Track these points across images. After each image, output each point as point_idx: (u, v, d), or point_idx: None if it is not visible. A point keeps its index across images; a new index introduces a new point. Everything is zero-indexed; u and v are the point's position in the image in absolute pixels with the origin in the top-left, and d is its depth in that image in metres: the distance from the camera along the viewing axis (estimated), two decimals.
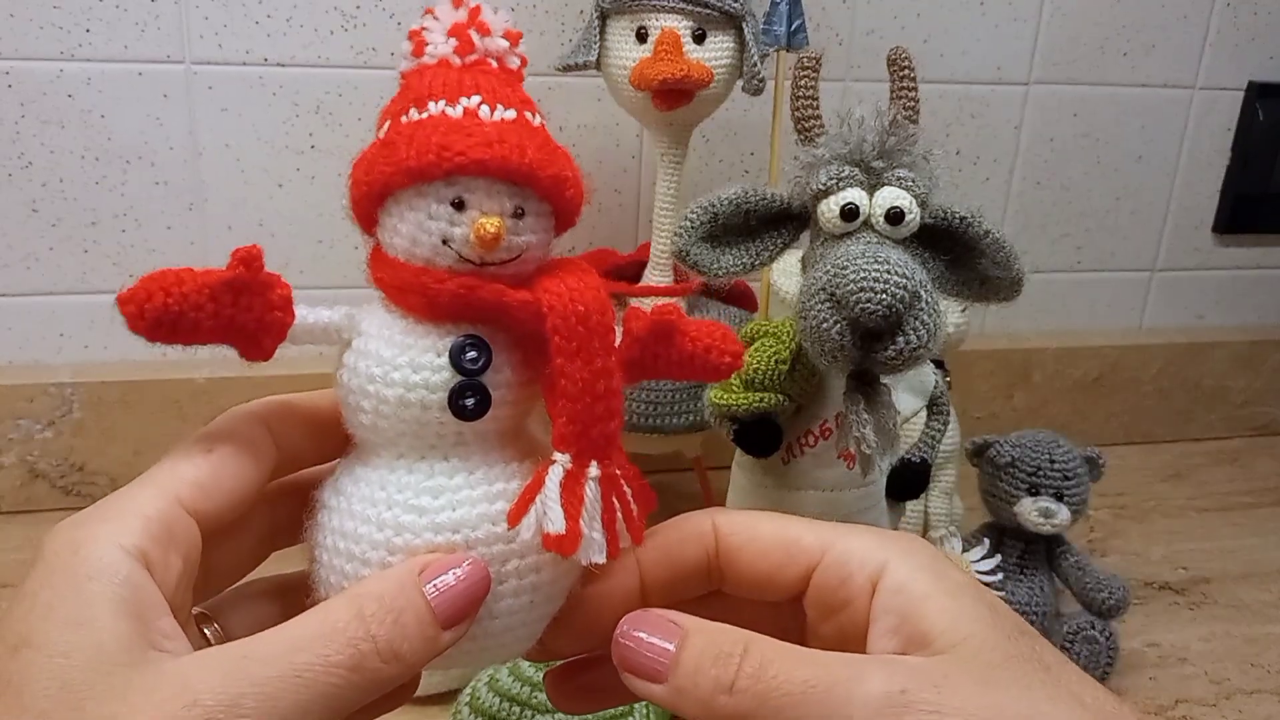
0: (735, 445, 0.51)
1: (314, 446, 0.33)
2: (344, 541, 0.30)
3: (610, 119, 0.78)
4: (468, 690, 0.54)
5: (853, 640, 0.30)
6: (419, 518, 0.30)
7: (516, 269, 0.30)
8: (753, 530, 0.32)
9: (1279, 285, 0.99)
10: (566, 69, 0.64)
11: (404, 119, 0.30)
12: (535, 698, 0.51)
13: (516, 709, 0.51)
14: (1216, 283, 0.98)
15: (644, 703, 0.51)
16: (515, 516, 0.29)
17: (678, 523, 0.33)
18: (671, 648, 0.28)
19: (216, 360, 0.77)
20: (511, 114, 0.30)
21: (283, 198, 0.75)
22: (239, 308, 0.29)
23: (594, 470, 0.30)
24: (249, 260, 0.29)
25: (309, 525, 0.32)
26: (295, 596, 0.32)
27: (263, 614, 0.33)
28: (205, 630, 0.32)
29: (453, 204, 0.29)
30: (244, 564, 0.34)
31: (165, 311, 0.28)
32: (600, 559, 0.30)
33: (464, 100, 0.30)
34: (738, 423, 0.50)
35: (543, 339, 0.30)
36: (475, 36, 0.31)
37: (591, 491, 0.30)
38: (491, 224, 0.29)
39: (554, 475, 0.29)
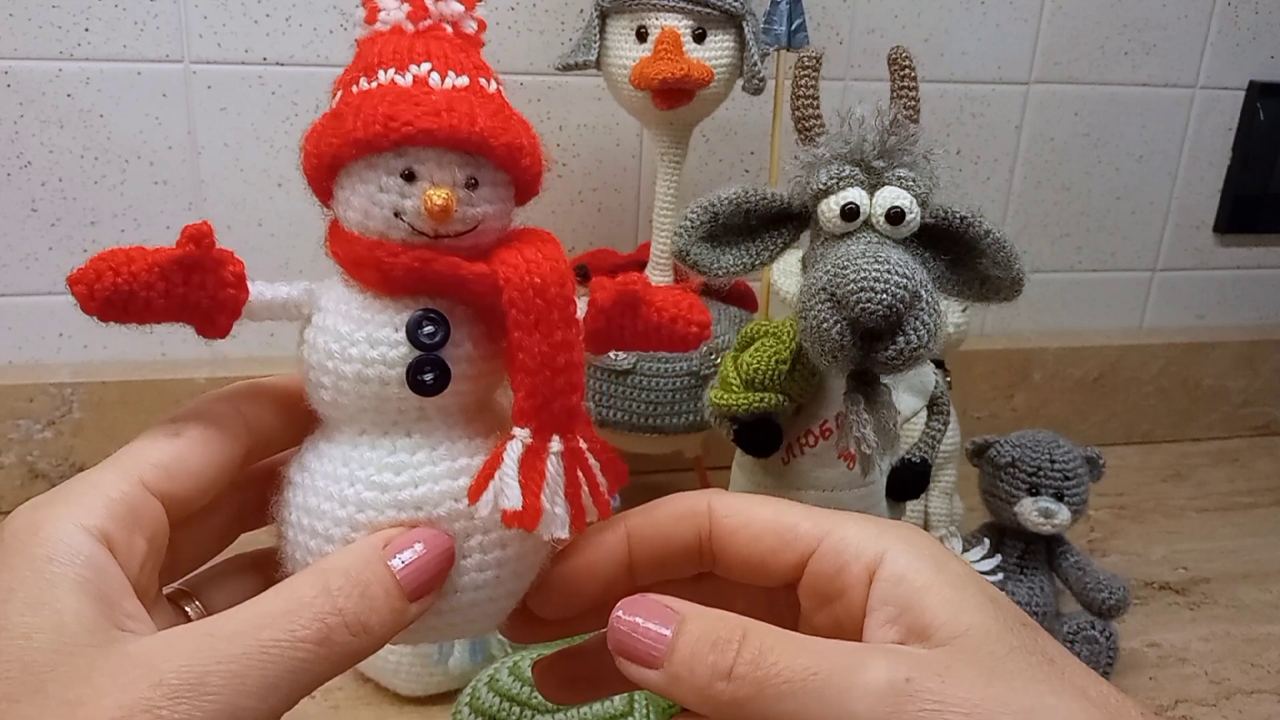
0: (735, 445, 0.51)
1: (288, 428, 0.33)
2: (308, 518, 0.30)
3: (610, 119, 0.78)
4: (468, 690, 0.54)
5: (848, 630, 0.29)
6: (381, 494, 0.29)
7: (474, 240, 0.30)
8: (748, 513, 0.32)
9: (1279, 285, 0.99)
10: (566, 68, 0.64)
11: (354, 89, 0.29)
12: (535, 697, 0.51)
13: (516, 709, 0.51)
14: (1217, 283, 0.98)
15: (643, 701, 0.51)
16: (475, 493, 0.29)
17: (673, 500, 0.33)
18: (668, 633, 0.28)
19: (217, 360, 0.77)
20: (464, 81, 0.29)
21: (282, 197, 0.75)
22: (190, 285, 0.29)
23: (555, 444, 0.30)
24: (199, 237, 0.28)
25: (276, 502, 0.32)
26: (276, 570, 0.32)
27: (244, 589, 0.33)
28: (186, 607, 0.31)
29: (403, 175, 0.29)
30: (212, 546, 0.33)
31: (115, 291, 0.28)
32: (562, 534, 0.30)
33: (414, 68, 0.29)
34: (738, 423, 0.50)
35: (503, 312, 0.29)
36: (428, 1, 0.30)
37: (553, 466, 0.29)
38: (440, 195, 0.28)
39: (512, 450, 0.29)
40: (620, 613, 0.28)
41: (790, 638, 0.27)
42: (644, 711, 0.52)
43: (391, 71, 0.29)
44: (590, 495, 0.30)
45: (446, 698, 0.58)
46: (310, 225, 0.84)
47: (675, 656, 0.27)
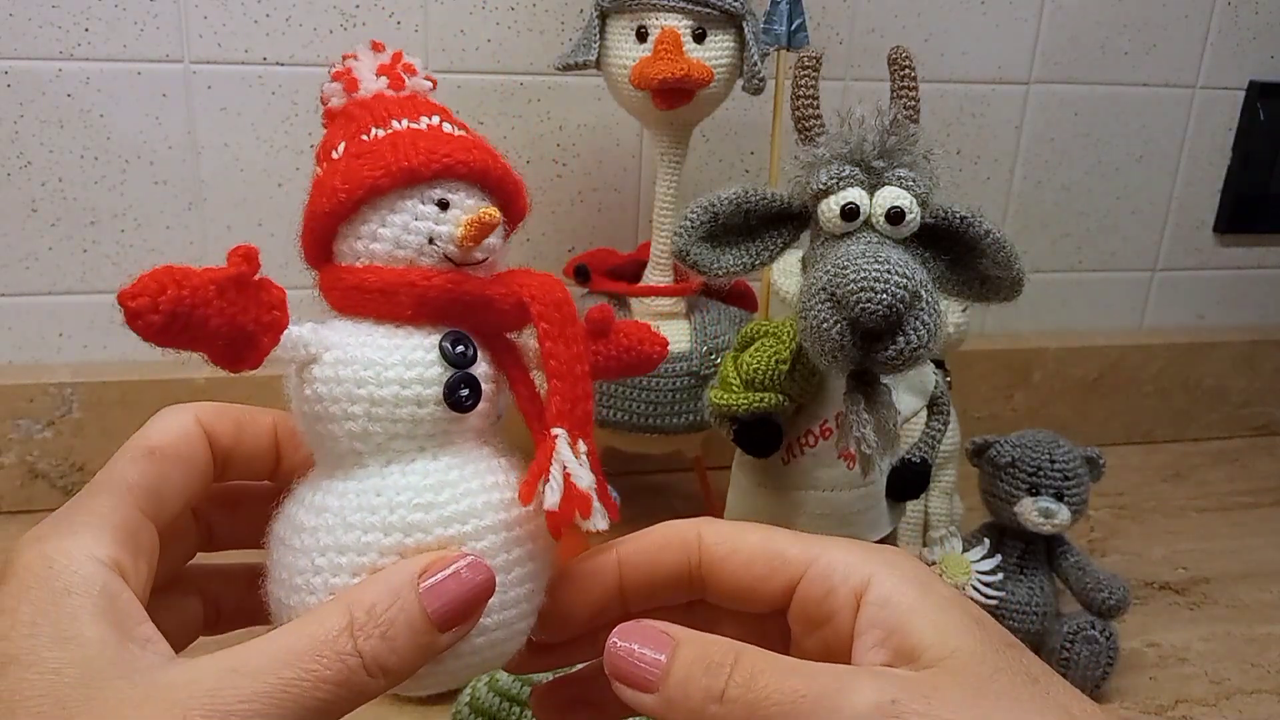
0: (735, 445, 0.51)
1: (244, 455, 0.34)
2: (344, 556, 0.29)
3: (610, 119, 0.78)
4: (468, 690, 0.54)
5: (837, 654, 0.30)
6: (427, 514, 0.30)
7: (486, 271, 0.32)
8: (738, 541, 0.32)
9: (1279, 285, 0.99)
10: (566, 68, 0.64)
11: (365, 137, 0.31)
12: None
13: (516, 709, 0.51)
14: (1217, 283, 0.98)
15: None
16: (528, 492, 0.30)
17: (664, 528, 0.33)
18: (663, 658, 0.28)
19: None
20: (463, 133, 0.32)
21: (282, 197, 0.75)
22: (239, 307, 0.29)
23: (582, 445, 0.31)
24: (250, 257, 0.29)
25: (276, 554, 0.31)
26: (217, 591, 0.34)
27: (185, 608, 0.34)
28: None
29: (438, 204, 0.31)
30: (175, 569, 0.34)
31: (179, 304, 0.27)
32: (604, 525, 0.31)
33: (425, 119, 0.32)
34: (738, 423, 0.50)
35: (506, 339, 0.32)
36: (404, 75, 0.33)
37: (587, 464, 0.31)
38: (493, 210, 0.31)
39: (563, 443, 0.30)
40: (616, 638, 0.29)
41: (781, 661, 0.28)
42: None
43: (405, 121, 0.32)
44: (601, 499, 0.32)
45: (446, 698, 0.58)
46: None
47: (670, 680, 0.28)
